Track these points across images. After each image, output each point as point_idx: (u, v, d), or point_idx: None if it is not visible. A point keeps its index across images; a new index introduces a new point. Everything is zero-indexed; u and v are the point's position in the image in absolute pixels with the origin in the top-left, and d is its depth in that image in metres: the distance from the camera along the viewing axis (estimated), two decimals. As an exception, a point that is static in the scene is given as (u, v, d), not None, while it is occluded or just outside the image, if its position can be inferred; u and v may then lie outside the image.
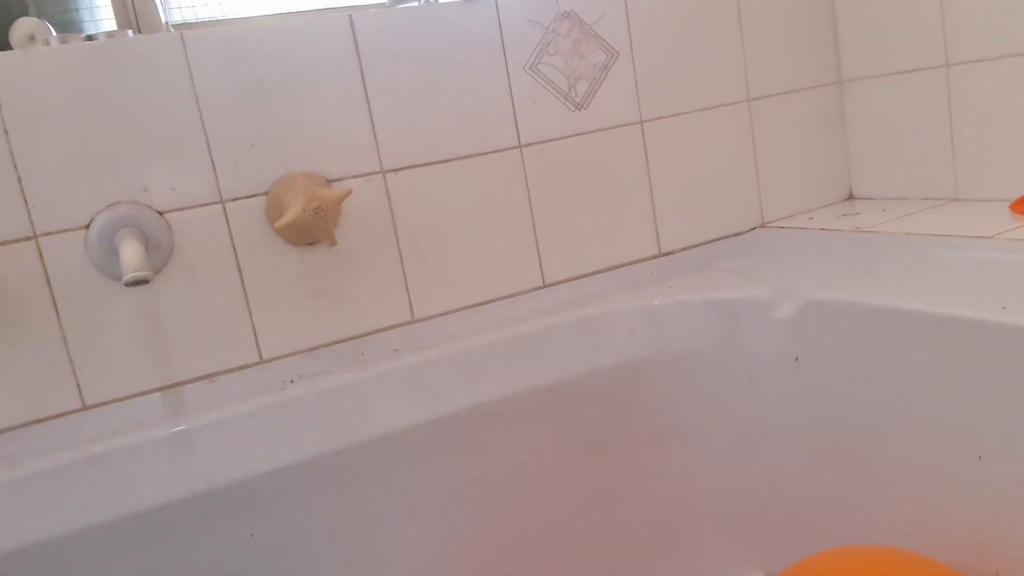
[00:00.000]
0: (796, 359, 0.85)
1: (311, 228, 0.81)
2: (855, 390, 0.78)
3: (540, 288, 1.00)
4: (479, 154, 0.95)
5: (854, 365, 0.78)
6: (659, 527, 0.93)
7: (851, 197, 1.18)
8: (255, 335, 0.86)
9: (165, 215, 0.81)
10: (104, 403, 0.81)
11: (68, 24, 0.93)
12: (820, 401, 0.82)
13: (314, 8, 1.07)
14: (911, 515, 0.74)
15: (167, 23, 0.99)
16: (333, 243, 0.85)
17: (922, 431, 0.73)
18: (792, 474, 0.86)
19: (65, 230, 0.78)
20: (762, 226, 1.12)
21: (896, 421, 0.75)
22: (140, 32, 0.95)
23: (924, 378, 0.72)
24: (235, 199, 0.84)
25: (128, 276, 0.70)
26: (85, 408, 0.80)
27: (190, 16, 1.02)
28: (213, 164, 0.83)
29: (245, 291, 0.85)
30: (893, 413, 0.75)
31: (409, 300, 0.93)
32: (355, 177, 0.88)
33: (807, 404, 0.83)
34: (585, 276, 1.02)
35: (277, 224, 0.80)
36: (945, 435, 0.71)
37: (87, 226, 0.79)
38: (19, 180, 0.76)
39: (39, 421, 0.79)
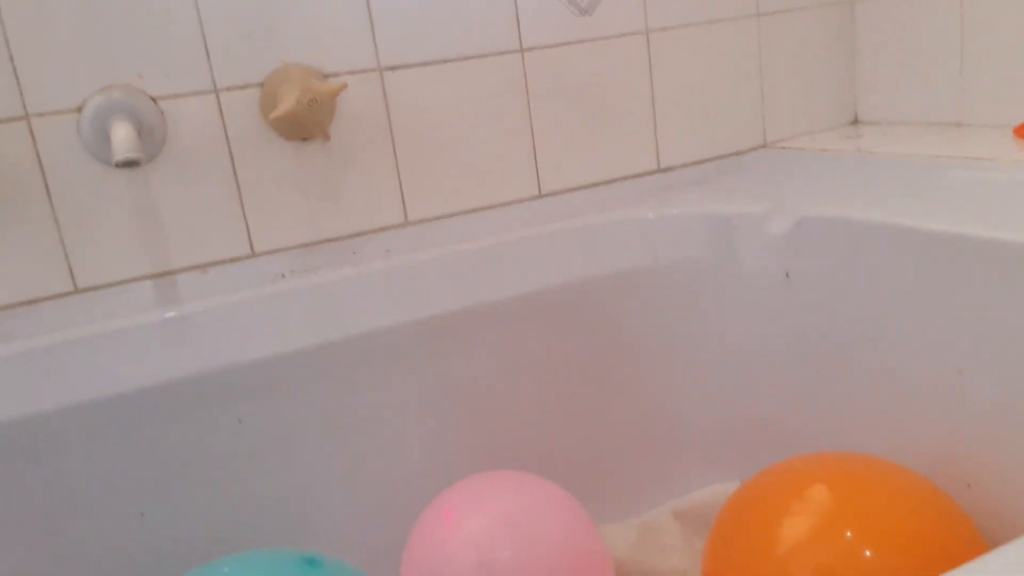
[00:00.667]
0: (787, 275, 0.85)
1: (305, 121, 0.81)
2: (843, 305, 0.79)
3: (536, 198, 1.00)
4: (479, 56, 0.93)
5: (844, 281, 0.78)
6: (642, 433, 0.94)
7: (856, 121, 1.16)
8: (247, 228, 0.86)
9: (159, 102, 0.80)
10: (96, 287, 0.81)
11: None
12: (807, 316, 0.83)
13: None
14: (889, 427, 0.75)
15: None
16: (327, 138, 0.84)
17: (905, 346, 0.73)
18: (775, 387, 0.88)
19: (57, 112, 0.78)
20: (764, 146, 1.10)
21: (881, 336, 0.75)
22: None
23: (912, 294, 0.72)
24: (229, 89, 0.83)
25: (119, 157, 0.70)
26: (77, 291, 0.81)
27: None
28: (208, 53, 0.82)
29: (238, 183, 0.85)
30: (878, 328, 0.75)
31: (403, 202, 0.92)
32: (351, 73, 0.87)
33: (794, 319, 0.84)
34: (582, 188, 1.02)
35: (271, 115, 0.79)
36: (928, 350, 0.71)
37: (80, 108, 0.78)
38: (11, 59, 0.75)
39: (31, 302, 0.79)
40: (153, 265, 0.83)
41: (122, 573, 0.76)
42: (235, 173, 0.84)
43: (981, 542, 0.60)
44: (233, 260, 0.86)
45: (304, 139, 0.86)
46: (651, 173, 1.05)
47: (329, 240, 0.90)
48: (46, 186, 0.78)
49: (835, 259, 0.79)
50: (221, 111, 0.83)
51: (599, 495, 0.91)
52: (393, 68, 0.89)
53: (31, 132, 0.77)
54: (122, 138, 0.71)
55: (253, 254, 0.87)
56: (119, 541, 0.76)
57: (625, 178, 1.04)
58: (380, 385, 0.83)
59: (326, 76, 0.86)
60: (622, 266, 0.91)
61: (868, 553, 0.57)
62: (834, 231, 0.79)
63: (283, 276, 0.84)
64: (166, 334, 0.77)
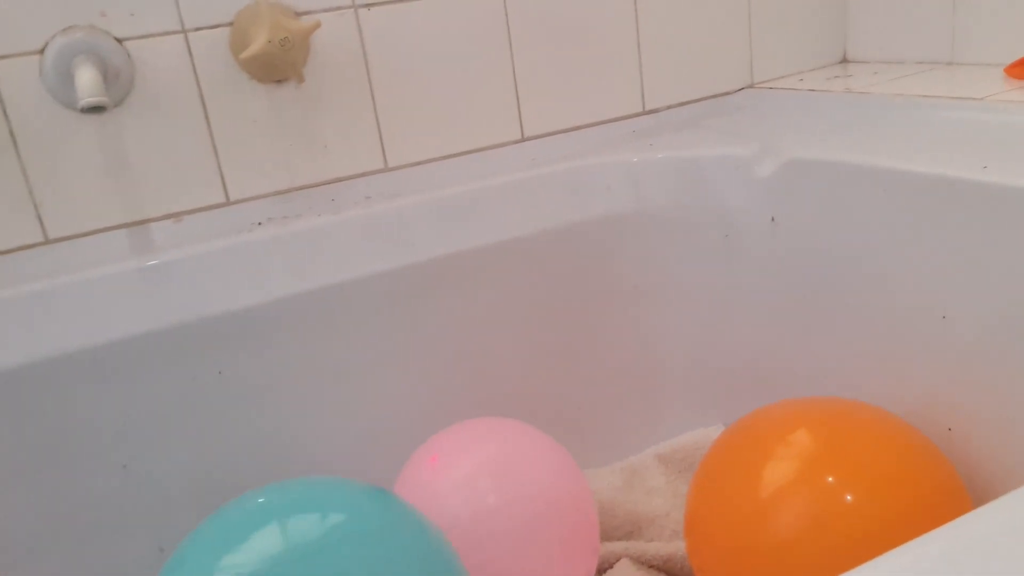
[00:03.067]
0: (772, 219, 0.84)
1: (278, 62, 0.78)
2: (828, 249, 0.78)
3: (519, 141, 0.97)
4: (458, -7, 0.90)
5: (830, 224, 0.78)
6: (627, 378, 0.94)
7: (845, 60, 1.14)
8: (221, 175, 0.84)
9: (124, 43, 0.77)
10: (68, 237, 0.79)
11: None
12: (792, 260, 0.82)
13: None
14: (873, 371, 0.75)
15: None
16: (301, 80, 0.81)
17: (891, 289, 0.73)
18: (759, 331, 0.87)
19: (19, 54, 0.74)
20: (751, 86, 1.08)
21: (867, 280, 0.75)
22: None
23: (898, 237, 0.71)
24: (198, 29, 0.79)
25: (84, 101, 0.67)
26: (48, 242, 0.79)
27: None
28: (174, -10, 0.78)
29: (210, 128, 0.82)
30: (863, 272, 0.75)
31: (383, 147, 0.90)
32: (325, 11, 0.84)
33: (779, 263, 0.83)
34: (566, 131, 0.99)
35: (242, 56, 0.76)
36: (913, 294, 0.71)
37: (42, 51, 0.75)
38: (-34, -3, 0.72)
39: (1, 253, 0.77)
40: (126, 214, 0.81)
41: (105, 525, 0.75)
42: (207, 117, 0.82)
43: (960, 486, 0.61)
44: (208, 208, 0.84)
45: (278, 81, 0.83)
46: (636, 115, 1.03)
47: (307, 187, 0.88)
48: (11, 132, 0.75)
49: (821, 203, 0.78)
50: (190, 52, 0.80)
51: (584, 440, 0.92)
52: (369, 5, 0.86)
53: (-9, 76, 0.74)
54: (87, 81, 0.68)
55: (228, 201, 0.85)
56: (102, 493, 0.75)
57: (610, 121, 1.01)
58: (361, 334, 0.82)
59: (299, 14, 0.82)
60: (606, 210, 0.90)
61: (850, 497, 0.58)
62: (820, 174, 0.78)
63: (260, 224, 0.82)
64: (142, 285, 0.75)
